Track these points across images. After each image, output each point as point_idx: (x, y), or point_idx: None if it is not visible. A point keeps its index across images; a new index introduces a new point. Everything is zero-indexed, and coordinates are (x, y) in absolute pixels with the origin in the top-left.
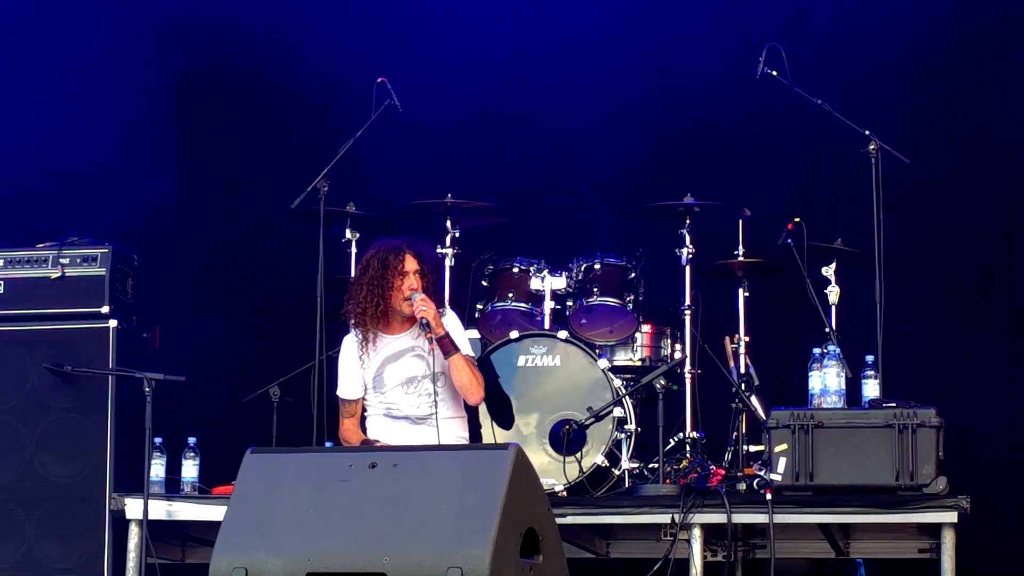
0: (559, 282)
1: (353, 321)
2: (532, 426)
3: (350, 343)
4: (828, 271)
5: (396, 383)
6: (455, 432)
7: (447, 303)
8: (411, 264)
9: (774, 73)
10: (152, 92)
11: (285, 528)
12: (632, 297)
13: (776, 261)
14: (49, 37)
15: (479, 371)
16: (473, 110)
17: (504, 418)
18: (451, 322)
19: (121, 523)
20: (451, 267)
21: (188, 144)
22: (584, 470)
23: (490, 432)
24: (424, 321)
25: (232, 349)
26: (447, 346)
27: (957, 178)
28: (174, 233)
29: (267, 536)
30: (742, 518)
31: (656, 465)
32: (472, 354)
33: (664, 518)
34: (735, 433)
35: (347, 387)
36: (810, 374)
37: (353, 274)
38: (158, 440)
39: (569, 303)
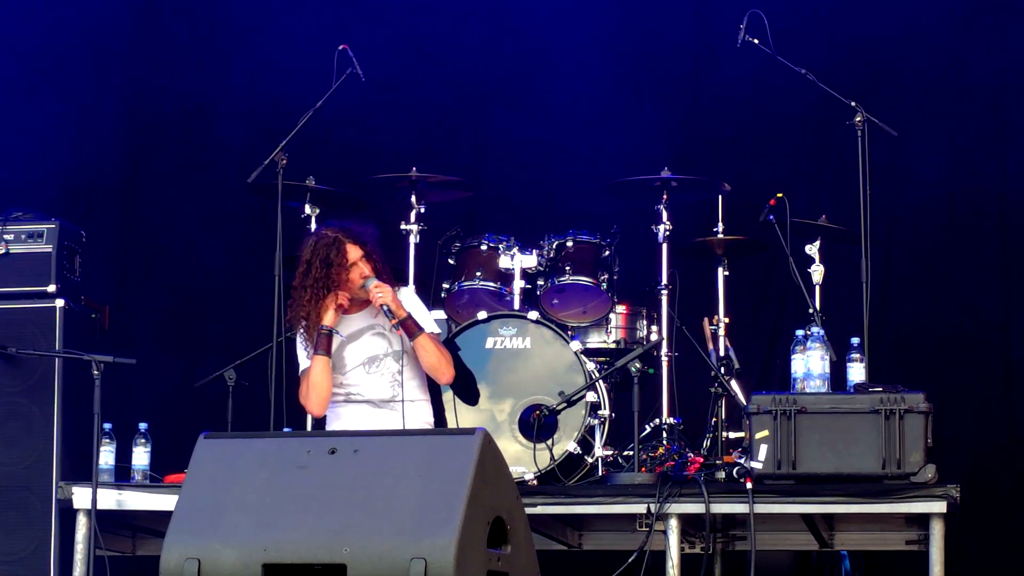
0: (529, 260)
1: (301, 328)
2: (506, 413)
3: None
4: (812, 249)
5: (357, 363)
6: (422, 416)
7: (411, 280)
8: (354, 253)
9: (755, 41)
10: (100, 58)
11: (240, 517)
12: (606, 276)
13: (757, 239)
14: None
15: (446, 349)
16: (440, 80)
17: (468, 393)
18: (408, 298)
19: (68, 513)
20: (416, 244)
21: (138, 114)
22: (555, 458)
23: (454, 418)
24: (386, 308)
25: (185, 330)
26: (411, 328)
27: (948, 152)
28: (124, 208)
29: (221, 525)
30: (721, 508)
31: (631, 452)
32: (436, 331)
33: (639, 508)
34: (714, 419)
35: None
36: (793, 357)
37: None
38: (107, 426)
39: (540, 282)
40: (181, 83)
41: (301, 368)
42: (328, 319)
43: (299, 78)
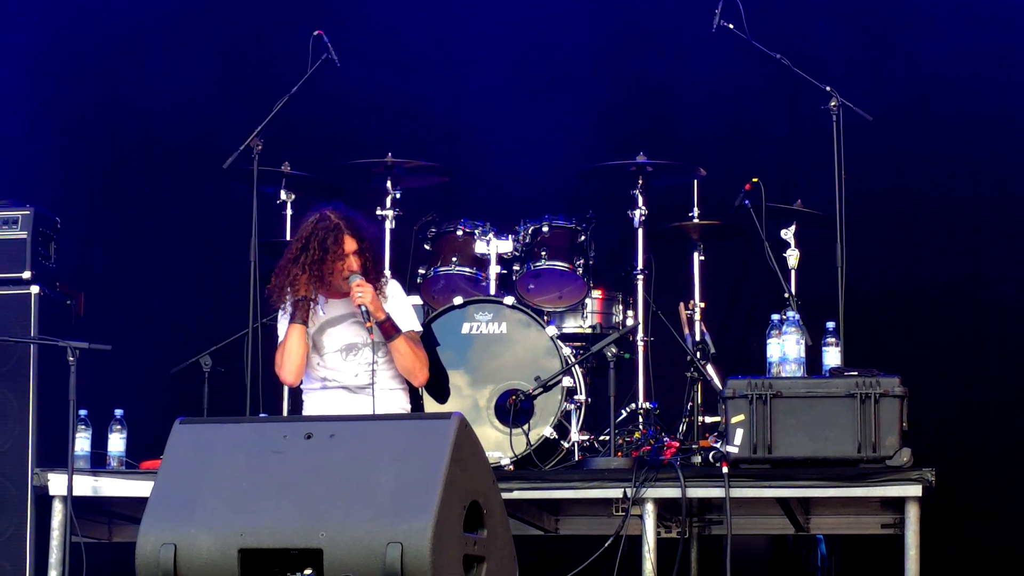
0: (505, 245)
1: (284, 298)
2: (486, 398)
3: None
4: (787, 234)
5: (335, 348)
6: (398, 404)
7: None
8: (350, 245)
9: (730, 26)
10: (73, 40)
11: (216, 502)
12: (582, 261)
13: (733, 223)
14: None
15: (423, 349)
16: (416, 65)
17: (440, 392)
18: (394, 293)
19: (44, 500)
20: (392, 230)
21: (112, 98)
22: (532, 443)
23: (433, 405)
24: (363, 309)
25: (161, 316)
26: (389, 330)
27: (921, 136)
28: (99, 194)
29: (197, 511)
30: (697, 492)
31: (607, 437)
32: (418, 328)
33: (616, 493)
34: (690, 403)
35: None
36: (768, 342)
37: (289, 240)
38: (83, 412)
39: (516, 267)
40: (158, 69)
41: (279, 340)
42: (308, 291)
43: (275, 63)
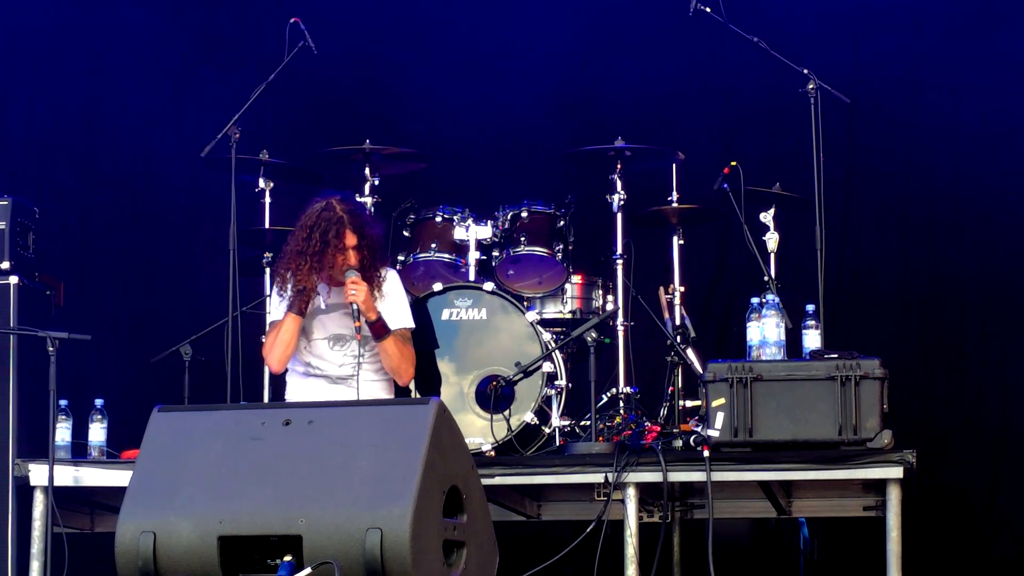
0: (484, 231)
1: (285, 284)
2: (468, 384)
3: None
4: (766, 217)
5: (322, 336)
6: (380, 394)
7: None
8: (351, 240)
9: (707, 10)
10: (54, 27)
11: (195, 490)
12: (561, 246)
13: (712, 207)
14: None
15: (411, 347)
16: (393, 51)
17: (431, 391)
18: (392, 288)
19: (25, 490)
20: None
21: (88, 85)
22: (512, 428)
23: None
24: (355, 308)
25: (140, 305)
26: (379, 331)
27: (901, 118)
28: (77, 184)
29: (176, 499)
30: (679, 476)
31: (588, 422)
32: (410, 325)
33: (597, 478)
34: (670, 388)
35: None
36: (748, 325)
37: (293, 230)
38: (63, 402)
39: (495, 253)
40: (133, 55)
41: (271, 319)
42: (311, 281)
43: (251, 51)
